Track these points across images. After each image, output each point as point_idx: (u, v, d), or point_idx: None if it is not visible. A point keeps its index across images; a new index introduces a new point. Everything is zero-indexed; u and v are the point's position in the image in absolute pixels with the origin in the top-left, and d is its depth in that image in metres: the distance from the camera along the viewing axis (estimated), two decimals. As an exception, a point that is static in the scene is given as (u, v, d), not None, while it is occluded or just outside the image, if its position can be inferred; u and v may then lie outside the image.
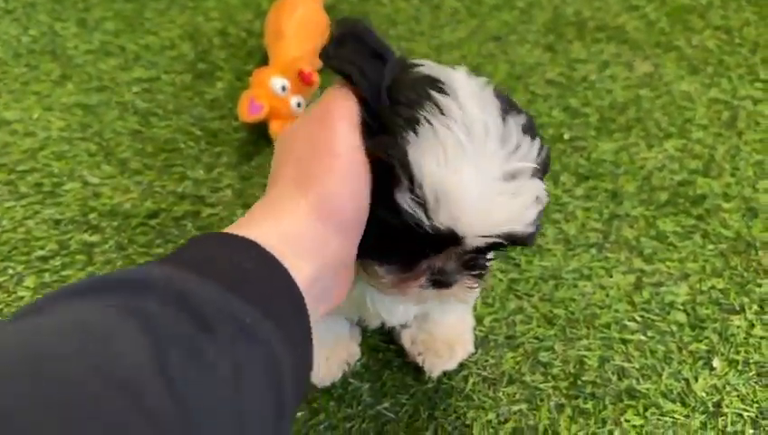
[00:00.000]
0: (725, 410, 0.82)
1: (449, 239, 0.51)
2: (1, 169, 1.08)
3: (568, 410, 0.82)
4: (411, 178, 0.48)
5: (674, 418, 0.81)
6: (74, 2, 1.44)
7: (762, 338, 0.89)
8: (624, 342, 0.89)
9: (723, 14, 1.46)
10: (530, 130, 0.53)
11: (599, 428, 0.80)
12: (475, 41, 1.38)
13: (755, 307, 0.93)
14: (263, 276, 0.41)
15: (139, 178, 1.07)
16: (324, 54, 0.53)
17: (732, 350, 0.88)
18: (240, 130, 1.16)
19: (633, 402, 0.83)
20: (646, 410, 0.82)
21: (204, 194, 1.05)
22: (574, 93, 1.26)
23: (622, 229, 1.02)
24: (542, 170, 0.54)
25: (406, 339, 0.85)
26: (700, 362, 0.87)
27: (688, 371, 0.86)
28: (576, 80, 1.29)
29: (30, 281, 0.92)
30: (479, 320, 0.90)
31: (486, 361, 0.87)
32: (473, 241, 0.51)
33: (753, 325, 0.91)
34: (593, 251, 0.99)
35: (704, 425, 0.81)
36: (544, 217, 1.03)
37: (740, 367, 0.86)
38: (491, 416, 0.81)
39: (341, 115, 0.50)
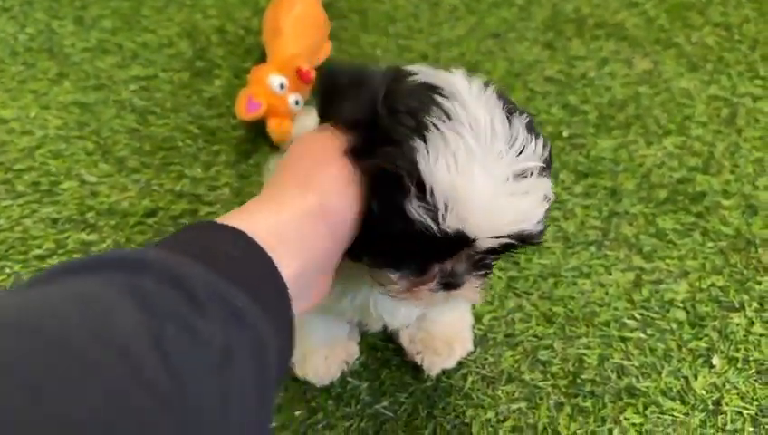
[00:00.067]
0: (725, 407, 0.82)
1: (461, 242, 0.51)
2: (-2, 168, 1.07)
3: (567, 409, 0.82)
4: (421, 186, 0.48)
5: (673, 416, 0.81)
6: (71, 0, 1.43)
7: (761, 336, 0.89)
8: (623, 340, 0.88)
9: (722, 10, 1.46)
10: (533, 128, 0.53)
11: (598, 426, 0.80)
12: (474, 38, 1.38)
13: (755, 305, 0.92)
14: (250, 265, 0.42)
15: (136, 176, 1.07)
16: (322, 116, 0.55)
17: (731, 347, 0.88)
18: (238, 129, 1.15)
19: (633, 401, 0.82)
20: (645, 408, 0.82)
21: (202, 192, 1.05)
22: (573, 91, 1.25)
23: (621, 227, 1.02)
24: (547, 166, 0.54)
25: (404, 338, 0.85)
26: (700, 360, 0.87)
27: (688, 369, 0.86)
28: (575, 77, 1.29)
29: (27, 280, 0.92)
30: (478, 318, 0.90)
31: (485, 359, 0.86)
32: (485, 242, 0.51)
33: (752, 323, 0.90)
34: (592, 249, 0.99)
35: (703, 423, 0.81)
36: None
37: (740, 365, 0.86)
38: (490, 414, 0.81)
39: (335, 136, 0.53)
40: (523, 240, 0.53)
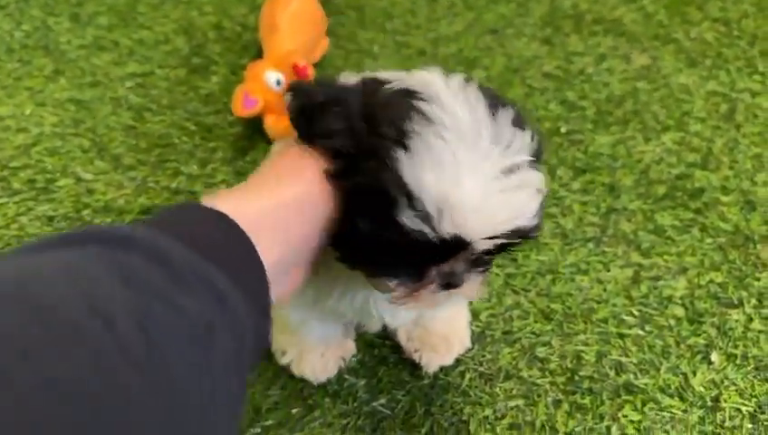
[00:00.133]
0: (724, 404, 0.82)
1: (458, 245, 0.50)
2: (-7, 166, 1.07)
3: (565, 406, 0.81)
4: (409, 196, 0.47)
5: (672, 413, 0.81)
6: (67, -4, 1.43)
7: (760, 332, 0.89)
8: (622, 336, 0.88)
9: (721, 5, 1.45)
10: (519, 121, 0.53)
11: (596, 423, 0.80)
12: (472, 34, 1.37)
13: (754, 301, 0.92)
14: (231, 247, 0.43)
15: (132, 173, 1.07)
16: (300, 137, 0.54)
17: (730, 344, 0.87)
18: (235, 125, 1.15)
19: (631, 397, 0.82)
20: (644, 405, 0.82)
21: (198, 190, 1.04)
22: (571, 86, 1.25)
23: (620, 223, 1.01)
24: (537, 159, 0.53)
25: (402, 335, 0.85)
26: (698, 357, 0.86)
27: (686, 365, 0.85)
28: (573, 73, 1.28)
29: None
30: (476, 315, 0.89)
31: (483, 356, 0.86)
32: (481, 245, 0.51)
33: (751, 319, 0.90)
34: (591, 245, 0.98)
35: (702, 420, 0.80)
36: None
37: (738, 361, 0.86)
38: (488, 412, 0.81)
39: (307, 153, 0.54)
40: (521, 236, 0.52)
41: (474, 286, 0.58)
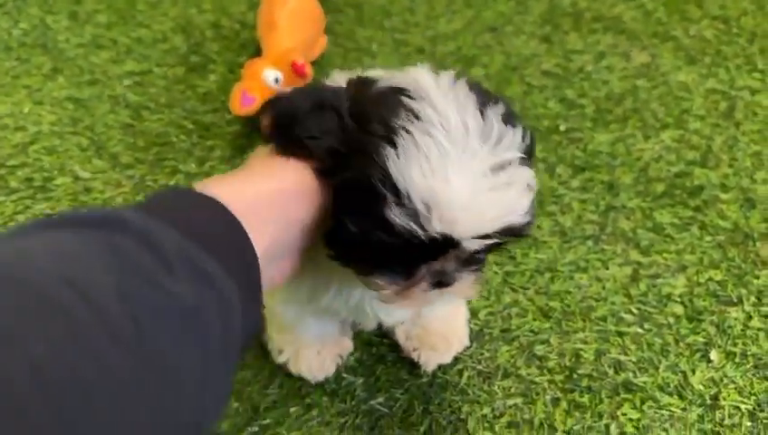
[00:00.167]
0: (723, 402, 0.81)
1: (447, 244, 0.50)
2: (-9, 164, 1.07)
3: (564, 404, 0.81)
4: (397, 192, 0.47)
5: (671, 411, 0.81)
6: (66, -5, 1.42)
7: (759, 330, 0.88)
8: (620, 334, 0.88)
9: (720, 3, 1.45)
10: (509, 118, 0.52)
11: (595, 422, 0.80)
12: (471, 32, 1.37)
13: (753, 299, 0.92)
14: (222, 233, 0.44)
15: (130, 172, 1.06)
16: (278, 146, 0.54)
17: (729, 342, 0.87)
18: (233, 124, 1.14)
19: (630, 396, 0.82)
20: (642, 403, 0.81)
21: (196, 188, 1.04)
22: (570, 84, 1.25)
23: (619, 221, 1.01)
24: (528, 155, 0.53)
25: (400, 334, 0.85)
26: (697, 355, 0.86)
27: (685, 363, 0.85)
28: (572, 71, 1.28)
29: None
30: (474, 313, 0.89)
31: (482, 354, 0.86)
32: (471, 244, 0.51)
33: (750, 317, 0.90)
34: (589, 243, 0.98)
35: (701, 418, 0.80)
36: (539, 208, 1.02)
37: (737, 359, 0.86)
38: (486, 410, 0.81)
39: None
40: (512, 234, 0.52)
41: (466, 285, 0.58)
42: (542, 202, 1.03)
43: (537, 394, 0.82)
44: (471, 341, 0.86)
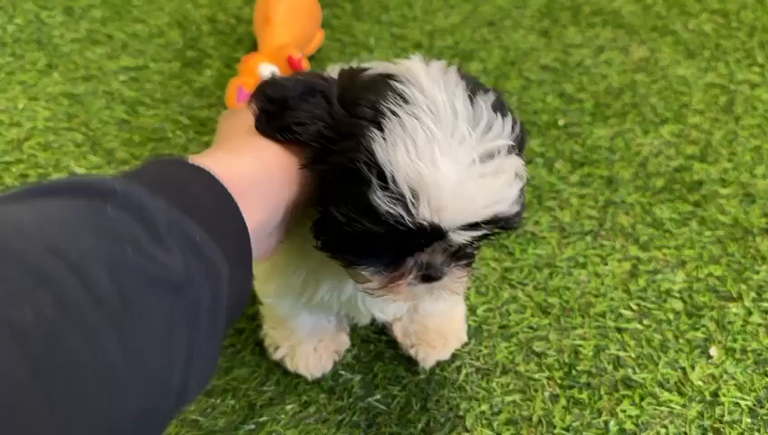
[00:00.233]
0: (723, 399, 0.81)
1: (434, 234, 0.49)
2: (-15, 160, 1.06)
3: (562, 401, 0.81)
4: (382, 176, 0.47)
5: (670, 407, 0.80)
6: (61, -10, 1.41)
7: (759, 325, 0.88)
8: (620, 330, 0.87)
9: (720, -3, 1.44)
10: (500, 107, 0.52)
11: (594, 418, 0.79)
12: (469, 26, 1.36)
13: (753, 294, 0.91)
14: (215, 206, 0.44)
15: (126, 168, 1.05)
16: (262, 129, 0.53)
17: (729, 338, 0.87)
18: (229, 119, 1.13)
19: (629, 392, 0.81)
20: (642, 399, 0.81)
21: (192, 184, 1.03)
22: (569, 79, 1.24)
23: (618, 216, 1.00)
24: (519, 147, 0.53)
25: (398, 331, 0.84)
26: (697, 351, 0.85)
27: (685, 359, 0.84)
28: (571, 65, 1.27)
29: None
30: (472, 310, 0.89)
31: (480, 351, 0.85)
32: (458, 236, 0.50)
33: (750, 313, 0.89)
34: (588, 239, 0.97)
35: (701, 414, 0.80)
36: (538, 204, 1.01)
37: (737, 355, 0.85)
38: (484, 407, 0.80)
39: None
40: (501, 226, 0.51)
41: (456, 281, 0.57)
42: (540, 197, 1.02)
43: (536, 391, 0.82)
44: (469, 337, 0.86)
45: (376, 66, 0.54)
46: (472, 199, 0.48)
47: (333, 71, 0.57)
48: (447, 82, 0.50)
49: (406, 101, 0.48)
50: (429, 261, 0.54)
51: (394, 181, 0.46)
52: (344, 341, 0.84)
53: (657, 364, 0.84)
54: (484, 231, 0.51)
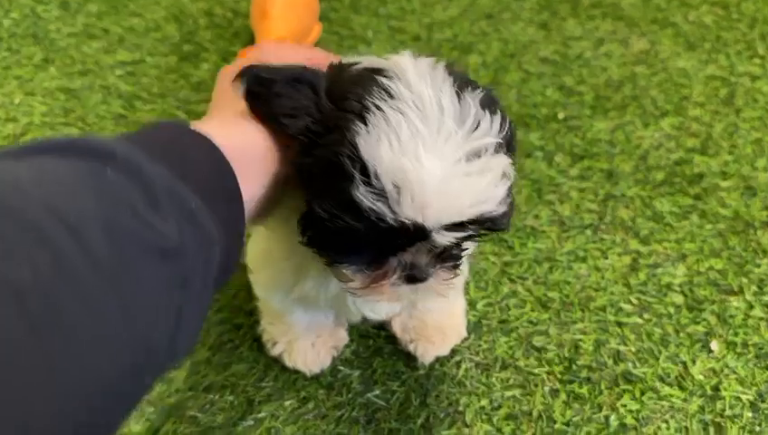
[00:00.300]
0: (724, 393, 0.80)
1: (417, 234, 0.49)
2: (-19, 156, 1.05)
3: (563, 396, 0.80)
4: (365, 171, 0.46)
5: (671, 402, 0.80)
6: (57, -16, 1.40)
7: (761, 319, 0.87)
8: (620, 325, 0.87)
9: (720, -12, 1.43)
10: (489, 105, 0.51)
11: (594, 413, 0.79)
12: (468, 19, 1.35)
13: (754, 288, 0.91)
14: (211, 172, 0.45)
15: (123, 163, 1.05)
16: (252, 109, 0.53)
17: (730, 332, 0.86)
18: (227, 113, 1.13)
19: (629, 387, 0.81)
20: (642, 394, 0.80)
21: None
22: (569, 71, 1.23)
23: (618, 210, 1.00)
24: (507, 146, 0.52)
25: (397, 326, 0.84)
26: (698, 345, 0.85)
27: (686, 354, 0.84)
28: (570, 58, 1.26)
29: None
30: (472, 304, 0.88)
31: (479, 346, 0.85)
32: (442, 238, 0.49)
33: (751, 307, 0.89)
34: (588, 232, 0.97)
35: (702, 409, 0.79)
36: (538, 197, 1.00)
37: (739, 349, 0.85)
38: (484, 402, 0.80)
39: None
40: (487, 227, 0.51)
41: (442, 283, 0.56)
42: (540, 191, 1.02)
43: (536, 386, 0.81)
44: (469, 332, 0.85)
45: (365, 60, 0.53)
46: (457, 198, 0.47)
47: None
48: (435, 77, 0.50)
49: (391, 96, 0.47)
50: (414, 261, 0.53)
51: (377, 176, 0.46)
52: (343, 336, 0.83)
53: (657, 359, 0.83)
54: (470, 232, 0.50)
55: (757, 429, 0.78)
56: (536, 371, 0.82)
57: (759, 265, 0.93)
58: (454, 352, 0.84)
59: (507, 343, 0.85)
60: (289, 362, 0.81)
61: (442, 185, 0.46)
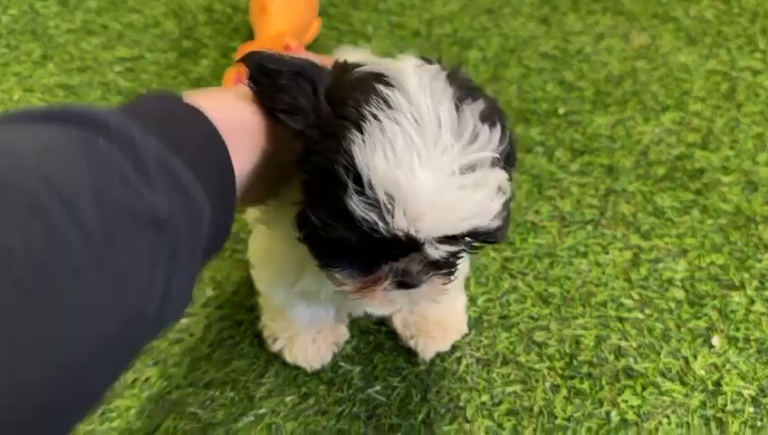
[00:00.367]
0: (725, 388, 0.80)
1: (410, 245, 0.49)
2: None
3: (564, 391, 0.80)
4: (359, 180, 0.46)
5: (672, 397, 0.80)
6: (55, -20, 1.40)
7: (762, 314, 0.87)
8: (621, 320, 0.86)
9: (721, -17, 1.43)
10: (490, 117, 0.51)
11: (595, 408, 0.79)
12: (468, 14, 1.34)
13: (755, 283, 0.90)
14: (203, 144, 0.45)
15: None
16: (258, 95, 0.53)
17: (732, 327, 0.86)
18: (226, 109, 1.12)
19: (630, 382, 0.81)
20: (644, 389, 0.80)
21: (189, 175, 1.02)
22: (569, 67, 1.23)
23: (619, 205, 0.99)
24: (506, 160, 0.52)
25: (397, 322, 0.84)
26: (699, 340, 0.85)
27: (687, 349, 0.84)
28: (571, 53, 1.26)
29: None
30: (472, 300, 0.88)
31: (480, 341, 0.85)
32: (434, 251, 0.49)
33: (753, 302, 0.89)
34: (589, 228, 0.96)
35: (703, 404, 0.79)
36: (538, 193, 1.00)
37: (740, 344, 0.84)
38: (485, 398, 0.79)
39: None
40: (482, 240, 0.50)
41: (435, 289, 0.56)
42: (540, 186, 1.01)
43: (537, 381, 0.81)
44: (469, 328, 0.85)
45: (370, 63, 0.53)
46: (450, 210, 0.47)
47: (341, 54, 0.56)
48: (435, 88, 0.49)
49: (389, 106, 0.47)
50: (406, 268, 0.53)
51: (371, 186, 0.45)
52: (343, 332, 0.83)
53: (658, 354, 0.83)
54: (462, 246, 0.50)
55: (759, 424, 0.78)
56: (537, 366, 0.82)
57: (760, 260, 0.93)
58: (454, 347, 0.84)
59: (508, 338, 0.85)
60: (289, 358, 0.81)
61: (435, 197, 0.46)
